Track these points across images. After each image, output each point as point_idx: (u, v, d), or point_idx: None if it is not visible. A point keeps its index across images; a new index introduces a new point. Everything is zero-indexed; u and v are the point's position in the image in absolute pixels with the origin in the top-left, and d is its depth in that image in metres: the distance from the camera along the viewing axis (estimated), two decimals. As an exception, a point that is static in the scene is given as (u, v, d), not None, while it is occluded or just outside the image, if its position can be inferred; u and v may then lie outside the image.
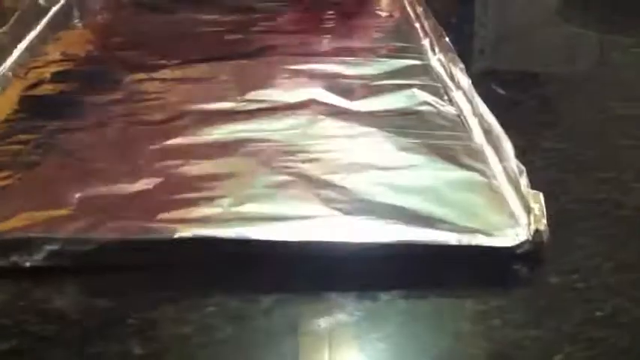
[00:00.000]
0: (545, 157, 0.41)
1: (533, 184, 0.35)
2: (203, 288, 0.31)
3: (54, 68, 0.51)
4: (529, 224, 0.32)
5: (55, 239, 0.32)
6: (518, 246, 0.32)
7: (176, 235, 0.33)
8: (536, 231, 0.32)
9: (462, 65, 0.47)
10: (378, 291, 0.31)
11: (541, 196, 0.34)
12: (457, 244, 0.32)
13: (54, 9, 0.61)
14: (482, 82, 0.48)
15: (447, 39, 0.51)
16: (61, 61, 0.52)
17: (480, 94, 0.44)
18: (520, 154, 0.37)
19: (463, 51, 0.52)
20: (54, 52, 0.53)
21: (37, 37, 0.56)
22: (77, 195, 0.36)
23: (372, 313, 0.30)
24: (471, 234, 0.32)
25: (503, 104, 0.46)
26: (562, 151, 0.42)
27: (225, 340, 0.28)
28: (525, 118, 0.46)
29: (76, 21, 0.61)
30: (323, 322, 0.29)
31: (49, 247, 0.32)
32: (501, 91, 0.50)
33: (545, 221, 0.32)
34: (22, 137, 0.41)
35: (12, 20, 0.54)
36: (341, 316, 0.29)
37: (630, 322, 0.29)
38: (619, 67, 0.55)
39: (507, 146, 0.38)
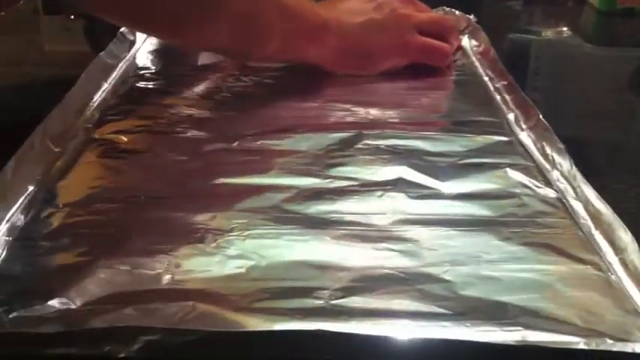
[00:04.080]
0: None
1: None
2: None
3: (129, 136, 0.49)
4: None
5: (152, 329, 0.30)
6: None
7: (276, 328, 0.31)
8: None
9: (561, 146, 0.44)
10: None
11: None
12: (585, 348, 0.30)
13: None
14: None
15: (541, 115, 0.49)
16: (138, 125, 0.51)
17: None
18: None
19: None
20: (132, 117, 0.52)
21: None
22: (167, 277, 0.34)
23: None
24: (598, 337, 0.30)
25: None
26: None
27: None
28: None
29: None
30: None
31: (145, 338, 0.30)
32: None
33: None
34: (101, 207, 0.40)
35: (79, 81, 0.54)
36: None
37: None
38: None
39: (623, 235, 0.35)
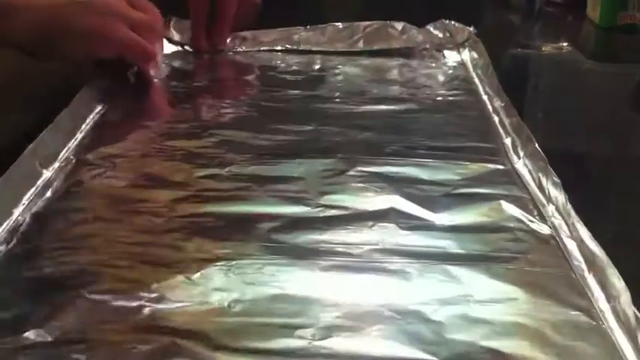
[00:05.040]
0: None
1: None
2: None
3: (118, 160, 0.48)
4: None
5: None
6: None
7: None
8: None
9: (557, 179, 0.43)
10: None
11: None
12: None
13: None
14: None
15: (537, 144, 0.47)
16: (129, 149, 0.50)
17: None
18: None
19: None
20: (123, 140, 0.51)
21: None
22: (146, 310, 0.34)
23: None
24: None
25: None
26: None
27: None
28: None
29: None
30: None
31: None
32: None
33: None
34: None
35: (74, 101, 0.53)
36: None
37: None
38: None
39: (616, 282, 0.34)
